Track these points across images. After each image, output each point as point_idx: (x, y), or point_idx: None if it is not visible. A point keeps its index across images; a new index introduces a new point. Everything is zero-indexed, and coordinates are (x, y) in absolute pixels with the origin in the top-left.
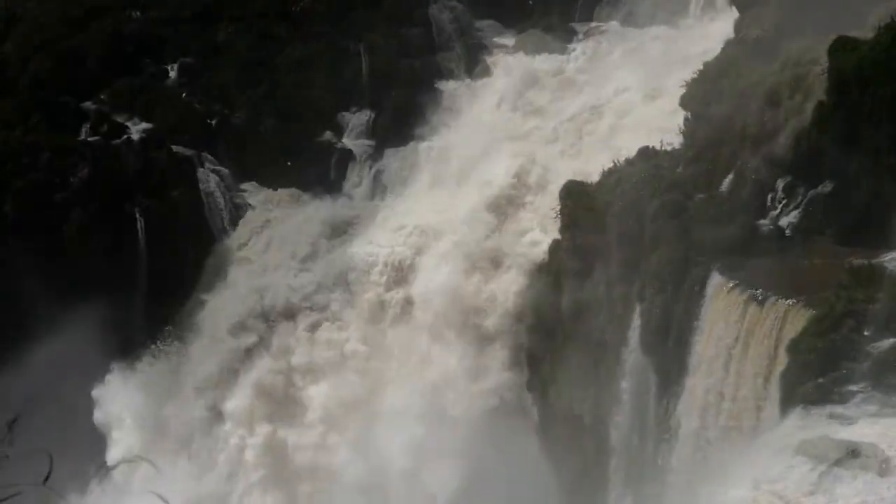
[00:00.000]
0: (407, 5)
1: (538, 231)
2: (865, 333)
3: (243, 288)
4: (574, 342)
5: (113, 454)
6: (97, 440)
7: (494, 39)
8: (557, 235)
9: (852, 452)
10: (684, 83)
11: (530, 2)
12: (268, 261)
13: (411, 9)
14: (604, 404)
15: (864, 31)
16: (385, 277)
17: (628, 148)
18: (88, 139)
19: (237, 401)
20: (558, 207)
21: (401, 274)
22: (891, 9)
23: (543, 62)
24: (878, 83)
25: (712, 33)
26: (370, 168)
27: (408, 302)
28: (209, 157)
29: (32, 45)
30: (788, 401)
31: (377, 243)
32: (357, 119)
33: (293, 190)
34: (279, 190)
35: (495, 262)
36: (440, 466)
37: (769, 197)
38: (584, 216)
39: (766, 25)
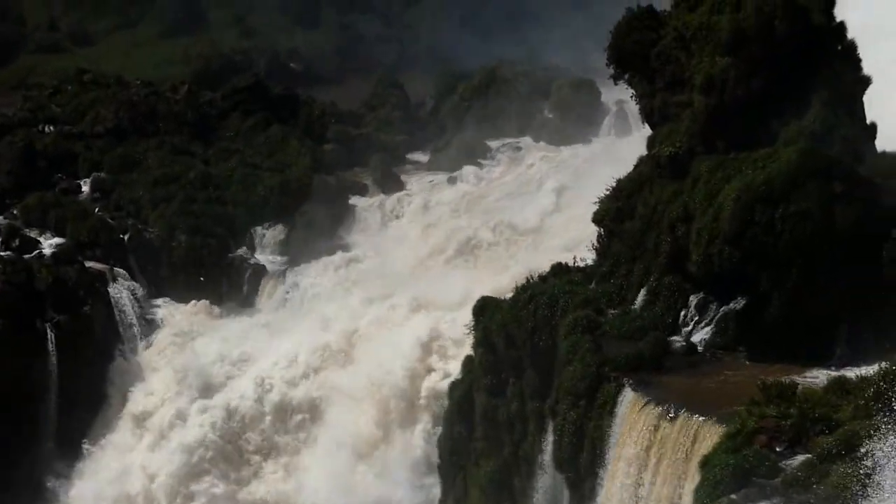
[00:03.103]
0: (321, 122)
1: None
2: (777, 449)
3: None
4: (487, 458)
5: None
6: None
7: (408, 156)
8: (470, 351)
9: None
10: (597, 200)
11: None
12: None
13: (325, 125)
14: None
15: (776, 148)
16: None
17: (542, 263)
18: (0, 254)
19: None
20: (471, 323)
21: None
22: (801, 127)
23: (457, 178)
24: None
25: (625, 150)
26: (283, 283)
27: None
28: (121, 271)
29: None
30: None
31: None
32: (270, 234)
33: (206, 303)
34: (192, 303)
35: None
36: None
37: (682, 313)
38: (498, 332)
39: (678, 143)
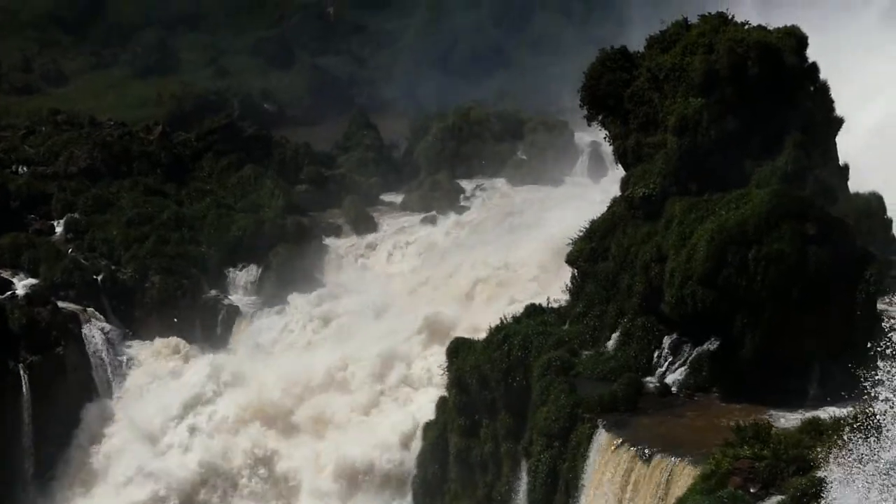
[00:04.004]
0: (294, 163)
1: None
2: (752, 491)
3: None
4: (461, 499)
5: None
6: None
7: (382, 197)
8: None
9: None
10: (570, 241)
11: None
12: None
13: (298, 166)
14: None
15: (749, 189)
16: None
17: (515, 304)
18: None
19: None
20: (445, 364)
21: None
22: (774, 168)
23: (430, 219)
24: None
25: (598, 191)
26: (255, 325)
27: None
28: (95, 312)
29: None
30: None
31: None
32: (244, 275)
33: (180, 341)
34: (166, 339)
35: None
36: None
37: (655, 354)
38: (471, 373)
39: (651, 184)
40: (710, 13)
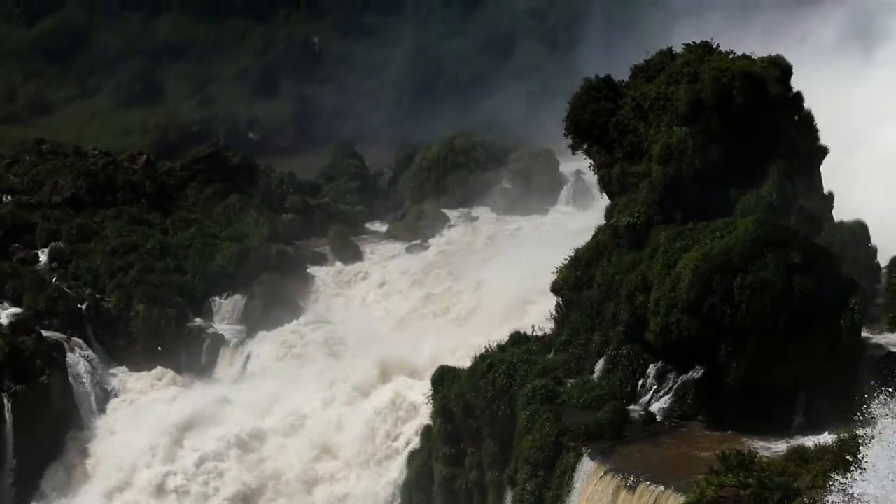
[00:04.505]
0: (279, 192)
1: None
2: None
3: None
4: None
5: None
6: None
7: (367, 225)
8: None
9: None
10: (555, 269)
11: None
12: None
13: (283, 195)
14: None
15: (734, 217)
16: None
17: (500, 332)
18: None
19: None
20: (430, 392)
21: None
22: (759, 196)
23: (414, 249)
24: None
25: (584, 220)
26: (241, 352)
27: None
28: (79, 341)
29: None
30: None
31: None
32: (229, 304)
33: (167, 371)
34: (152, 370)
35: None
36: None
37: (640, 383)
38: (456, 401)
39: (636, 213)
40: (694, 42)
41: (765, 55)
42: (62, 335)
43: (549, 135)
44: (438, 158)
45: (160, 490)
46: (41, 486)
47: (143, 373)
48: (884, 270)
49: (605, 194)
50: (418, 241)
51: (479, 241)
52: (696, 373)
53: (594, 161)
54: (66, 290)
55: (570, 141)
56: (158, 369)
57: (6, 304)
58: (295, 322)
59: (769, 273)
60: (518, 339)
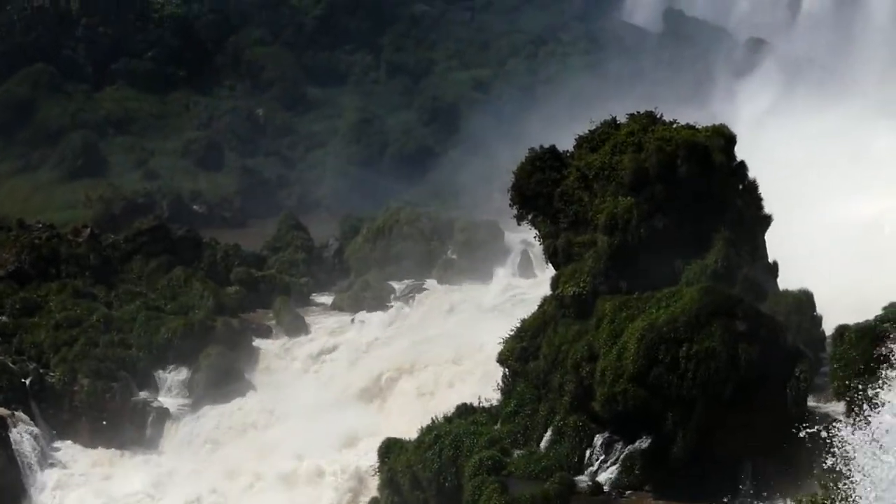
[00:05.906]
0: (224, 264)
1: None
2: None
3: None
4: None
5: None
6: None
7: (312, 297)
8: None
9: None
10: (501, 339)
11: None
12: None
13: (228, 267)
14: None
15: (679, 287)
16: None
17: (447, 404)
18: None
19: None
20: (377, 465)
21: None
22: (703, 265)
23: (360, 319)
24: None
25: (529, 290)
26: (186, 426)
27: None
28: (23, 416)
29: None
30: None
31: None
32: (174, 377)
33: (111, 451)
34: (96, 449)
35: None
36: None
37: (587, 453)
38: (403, 473)
39: (582, 283)
40: (638, 112)
41: (708, 124)
42: (6, 410)
43: (495, 206)
44: (384, 230)
45: None
46: None
47: (89, 449)
48: (828, 339)
49: (550, 264)
50: (363, 312)
51: (418, 314)
52: (643, 442)
53: (539, 231)
54: (10, 364)
55: (515, 211)
56: (101, 448)
57: None
58: (237, 399)
59: (715, 342)
60: (465, 410)
